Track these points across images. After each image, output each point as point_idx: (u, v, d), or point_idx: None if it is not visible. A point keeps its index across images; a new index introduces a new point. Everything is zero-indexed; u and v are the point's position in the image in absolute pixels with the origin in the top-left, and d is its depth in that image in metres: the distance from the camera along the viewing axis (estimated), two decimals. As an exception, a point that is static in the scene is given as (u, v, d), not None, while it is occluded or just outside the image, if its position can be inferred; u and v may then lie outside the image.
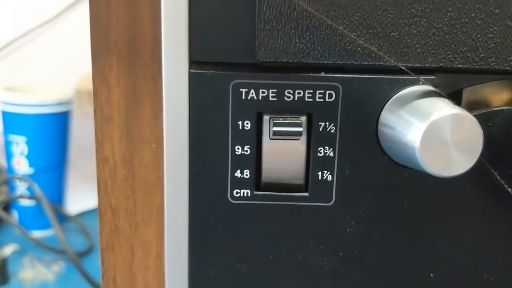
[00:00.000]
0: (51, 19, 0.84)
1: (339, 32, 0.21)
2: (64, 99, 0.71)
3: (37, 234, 0.70)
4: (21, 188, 0.72)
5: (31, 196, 0.71)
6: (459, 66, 0.22)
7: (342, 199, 0.24)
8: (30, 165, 0.71)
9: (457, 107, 0.20)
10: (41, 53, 0.85)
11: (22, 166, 0.71)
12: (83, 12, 0.84)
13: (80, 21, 0.82)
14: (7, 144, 0.71)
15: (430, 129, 0.19)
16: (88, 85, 0.79)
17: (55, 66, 0.83)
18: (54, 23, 0.85)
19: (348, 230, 0.24)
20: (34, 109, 0.68)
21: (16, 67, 0.85)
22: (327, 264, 0.25)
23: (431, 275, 0.25)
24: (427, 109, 0.20)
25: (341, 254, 0.24)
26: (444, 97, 0.21)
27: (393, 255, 0.25)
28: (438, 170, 0.20)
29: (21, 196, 0.72)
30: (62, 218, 0.73)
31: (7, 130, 0.71)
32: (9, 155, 0.72)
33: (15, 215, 0.73)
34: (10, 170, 0.73)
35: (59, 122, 0.72)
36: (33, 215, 0.72)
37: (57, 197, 0.74)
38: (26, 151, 0.70)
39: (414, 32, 0.21)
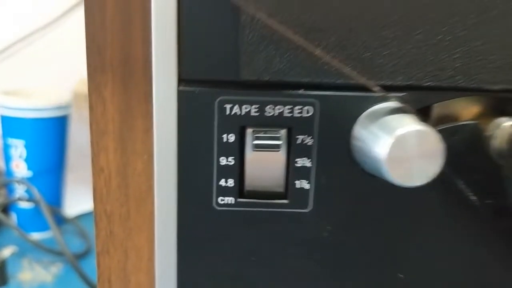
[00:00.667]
0: (49, 24, 0.85)
1: (316, 53, 0.23)
2: (62, 103, 0.72)
3: (35, 236, 0.71)
4: (19, 191, 0.73)
5: (30, 199, 0.72)
6: (428, 84, 0.24)
7: (319, 206, 0.26)
8: (29, 168, 0.71)
9: (422, 123, 0.22)
10: (39, 57, 0.85)
11: (20, 169, 0.72)
12: (80, 17, 0.85)
13: (77, 25, 0.81)
14: (6, 147, 0.72)
15: (396, 143, 0.22)
16: (86, 88, 0.80)
17: (53, 70, 0.84)
18: (52, 27, 0.85)
19: (324, 235, 0.26)
20: (32, 113, 0.69)
21: (15, 71, 0.85)
22: (306, 267, 0.27)
23: (402, 276, 0.27)
24: (394, 124, 0.22)
25: (319, 258, 0.26)
26: (411, 113, 0.24)
27: (367, 258, 0.27)
28: (402, 181, 0.22)
29: (19, 199, 0.72)
30: (60, 220, 0.74)
31: (5, 134, 0.72)
32: (7, 158, 0.73)
33: (13, 217, 0.74)
34: (8, 173, 0.73)
35: (57, 126, 0.72)
36: (32, 217, 0.73)
37: (55, 199, 0.74)
38: (24, 154, 0.71)
39: (385, 53, 0.24)
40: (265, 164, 0.25)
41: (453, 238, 0.26)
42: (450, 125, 0.25)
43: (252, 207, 0.26)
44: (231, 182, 0.25)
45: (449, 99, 0.25)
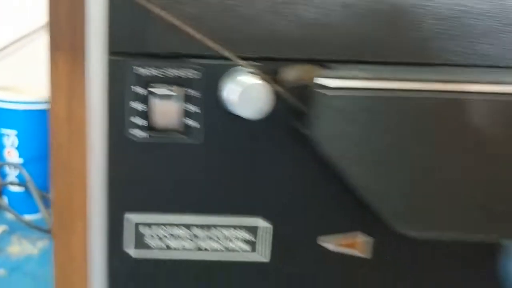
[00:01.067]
0: (42, 27, 0.94)
1: (197, 36, 0.38)
2: (51, 98, 0.82)
3: (25, 218, 0.78)
4: (11, 175, 0.81)
5: (21, 183, 0.79)
6: (276, 56, 0.38)
7: (208, 140, 0.38)
8: (20, 156, 0.80)
9: (260, 80, 0.36)
10: (33, 58, 0.94)
11: (12, 156, 0.80)
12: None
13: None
14: (-1, 136, 0.82)
15: (243, 92, 0.35)
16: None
17: (45, 69, 0.93)
18: (45, 30, 0.95)
19: (213, 161, 0.39)
20: (24, 105, 0.78)
21: (9, 69, 0.94)
22: (202, 187, 0.39)
23: (270, 187, 0.40)
24: (243, 81, 0.36)
25: (211, 178, 0.39)
26: (257, 74, 0.37)
27: (245, 177, 0.40)
28: (248, 115, 0.36)
29: (11, 183, 0.80)
30: (48, 204, 0.79)
31: (-1, 124, 0.82)
32: (0, 147, 0.80)
33: (5, 200, 0.81)
34: (1, 160, 0.81)
35: (47, 118, 0.78)
36: (22, 200, 0.81)
37: (43, 185, 0.80)
38: (16, 143, 0.79)
39: (244, 37, 0.37)
40: (167, 110, 0.37)
41: (295, 162, 0.40)
42: (293, 85, 0.38)
43: (158, 140, 0.37)
44: (142, 122, 0.37)
45: (293, 66, 0.38)
